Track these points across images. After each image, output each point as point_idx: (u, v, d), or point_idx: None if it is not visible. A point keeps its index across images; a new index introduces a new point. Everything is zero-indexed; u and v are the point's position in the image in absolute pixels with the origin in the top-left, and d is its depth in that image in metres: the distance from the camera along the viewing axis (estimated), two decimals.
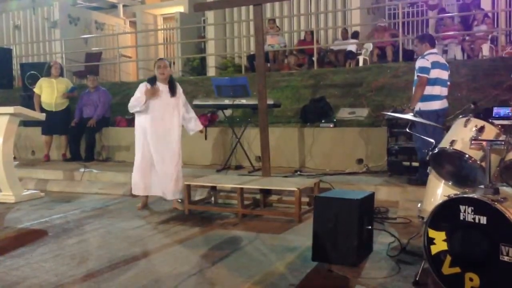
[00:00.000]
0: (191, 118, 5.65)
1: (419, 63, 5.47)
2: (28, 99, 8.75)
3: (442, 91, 5.51)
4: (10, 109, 6.04)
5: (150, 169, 5.38)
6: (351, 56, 10.47)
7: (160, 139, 5.31)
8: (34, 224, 4.94)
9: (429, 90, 5.40)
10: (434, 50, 5.63)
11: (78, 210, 5.57)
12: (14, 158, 6.50)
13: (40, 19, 14.45)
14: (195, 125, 5.70)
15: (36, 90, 8.42)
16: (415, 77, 5.50)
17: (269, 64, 10.82)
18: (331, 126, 7.18)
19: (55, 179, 7.30)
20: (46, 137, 8.62)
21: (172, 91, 5.37)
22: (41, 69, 8.88)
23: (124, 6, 16.11)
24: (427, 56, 5.47)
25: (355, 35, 10.88)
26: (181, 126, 5.54)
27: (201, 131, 5.83)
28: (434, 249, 2.88)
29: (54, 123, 8.13)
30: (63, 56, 12.73)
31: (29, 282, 3.31)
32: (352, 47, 10.59)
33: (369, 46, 10.68)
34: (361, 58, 10.32)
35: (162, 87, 5.36)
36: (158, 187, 5.41)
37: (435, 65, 5.42)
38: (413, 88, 5.52)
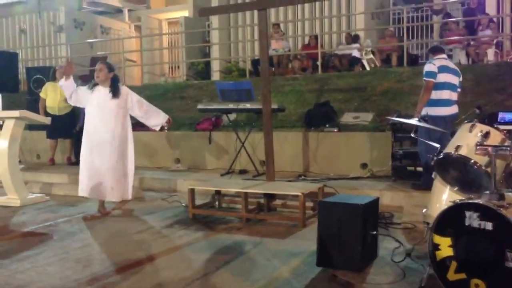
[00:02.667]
0: (148, 116, 5.60)
1: (426, 67, 5.47)
2: (34, 103, 8.79)
3: (452, 95, 5.46)
4: (15, 113, 6.07)
5: (94, 171, 5.31)
6: (356, 61, 10.45)
7: (100, 141, 5.28)
8: (39, 228, 4.96)
9: (437, 94, 5.37)
10: (443, 55, 5.61)
11: (82, 213, 5.58)
12: (20, 161, 6.54)
13: (46, 23, 14.55)
14: (154, 122, 5.65)
15: (41, 94, 8.47)
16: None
17: (273, 69, 10.84)
18: (336, 130, 7.17)
19: (60, 183, 7.32)
20: (51, 141, 8.66)
21: (114, 93, 5.32)
22: (47, 73, 8.92)
23: (129, 10, 16.20)
24: (434, 61, 5.46)
25: (356, 39, 10.84)
26: (128, 126, 5.48)
27: (165, 127, 5.76)
28: (439, 255, 2.87)
29: (58, 127, 8.15)
30: (69, 61, 12.76)
31: (34, 286, 3.32)
32: (356, 53, 10.57)
33: (368, 42, 10.63)
34: (365, 62, 10.30)
35: (103, 90, 5.35)
36: (102, 188, 5.33)
37: (443, 69, 5.40)
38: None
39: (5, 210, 5.83)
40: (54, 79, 8.46)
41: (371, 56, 10.40)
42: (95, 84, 5.41)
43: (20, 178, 6.26)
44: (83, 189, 5.42)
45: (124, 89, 5.49)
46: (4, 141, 6.02)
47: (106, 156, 5.29)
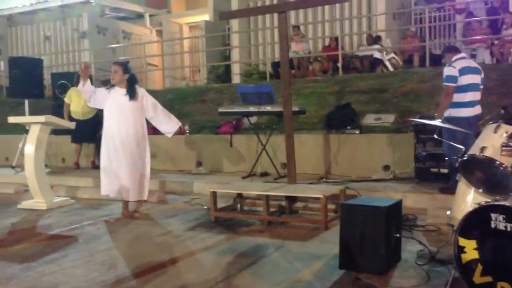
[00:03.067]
0: (161, 120, 5.69)
1: (446, 71, 5.34)
2: (58, 108, 8.97)
3: (476, 96, 5.36)
4: (41, 118, 6.19)
5: (113, 171, 5.42)
6: (378, 62, 10.34)
7: (119, 141, 5.37)
8: (65, 231, 5.05)
9: (460, 97, 5.25)
10: (462, 55, 5.50)
11: (107, 216, 5.66)
12: (46, 165, 6.65)
13: (69, 29, 14.86)
14: (166, 127, 5.74)
15: (66, 99, 8.64)
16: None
17: (293, 71, 10.83)
18: (357, 132, 7.13)
19: (84, 186, 7.45)
20: (75, 145, 8.83)
21: (130, 95, 5.41)
22: (71, 79, 9.10)
23: (150, 15, 16.40)
24: (455, 63, 5.34)
25: (377, 39, 10.72)
26: (144, 128, 5.56)
27: (181, 132, 5.81)
28: (465, 258, 2.83)
29: (83, 131, 8.29)
30: (92, 66, 13.01)
31: None
32: (377, 54, 10.47)
33: (387, 42, 10.51)
34: (387, 63, 10.18)
35: (120, 91, 5.44)
36: (120, 188, 5.43)
37: (465, 70, 5.28)
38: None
39: (32, 213, 5.95)
40: (78, 84, 8.62)
41: (393, 55, 10.27)
42: (112, 85, 5.50)
43: (46, 182, 6.38)
44: (104, 189, 5.52)
45: (140, 90, 5.58)
46: (30, 145, 6.15)
47: (125, 156, 5.38)
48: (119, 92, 5.44)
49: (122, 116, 5.39)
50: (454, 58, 5.41)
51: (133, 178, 5.42)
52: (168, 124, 5.75)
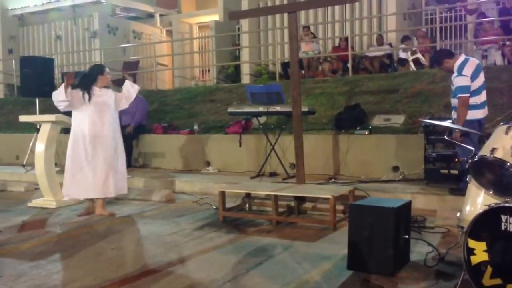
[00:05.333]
0: (127, 97, 5.85)
1: (459, 81, 5.13)
2: None
3: (485, 94, 5.25)
4: (52, 117, 6.24)
5: (81, 171, 5.50)
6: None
7: (98, 137, 5.50)
8: (74, 229, 5.08)
9: (475, 100, 5.14)
10: (462, 57, 5.28)
11: (115, 215, 5.68)
12: (55, 164, 6.70)
13: (80, 29, 14.96)
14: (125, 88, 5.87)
15: None
16: (453, 88, 5.28)
17: (303, 71, 10.81)
18: (366, 133, 7.10)
19: None
20: None
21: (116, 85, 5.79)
22: None
23: (160, 15, 16.46)
24: (464, 70, 5.13)
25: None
26: (116, 125, 5.72)
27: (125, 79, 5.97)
28: (474, 260, 2.80)
29: None
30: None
31: (69, 286, 3.40)
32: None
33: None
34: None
35: (98, 90, 5.60)
36: (90, 188, 5.50)
37: (475, 74, 5.13)
38: (452, 99, 5.32)
39: (42, 211, 6.00)
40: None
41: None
42: (88, 87, 5.58)
43: (56, 181, 6.42)
44: (67, 191, 5.60)
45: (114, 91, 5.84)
46: (41, 144, 6.21)
47: (103, 152, 5.50)
48: (98, 91, 5.59)
49: (102, 112, 5.55)
50: (458, 63, 5.21)
51: (105, 175, 5.50)
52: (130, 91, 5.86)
